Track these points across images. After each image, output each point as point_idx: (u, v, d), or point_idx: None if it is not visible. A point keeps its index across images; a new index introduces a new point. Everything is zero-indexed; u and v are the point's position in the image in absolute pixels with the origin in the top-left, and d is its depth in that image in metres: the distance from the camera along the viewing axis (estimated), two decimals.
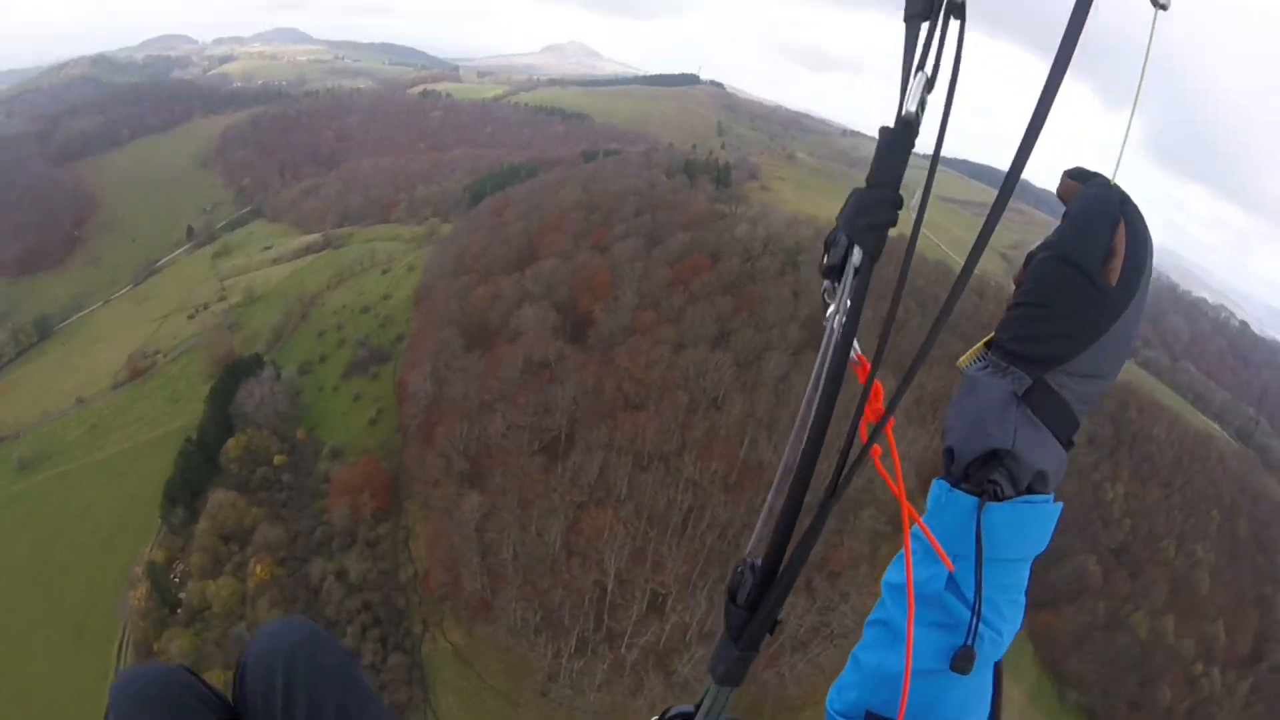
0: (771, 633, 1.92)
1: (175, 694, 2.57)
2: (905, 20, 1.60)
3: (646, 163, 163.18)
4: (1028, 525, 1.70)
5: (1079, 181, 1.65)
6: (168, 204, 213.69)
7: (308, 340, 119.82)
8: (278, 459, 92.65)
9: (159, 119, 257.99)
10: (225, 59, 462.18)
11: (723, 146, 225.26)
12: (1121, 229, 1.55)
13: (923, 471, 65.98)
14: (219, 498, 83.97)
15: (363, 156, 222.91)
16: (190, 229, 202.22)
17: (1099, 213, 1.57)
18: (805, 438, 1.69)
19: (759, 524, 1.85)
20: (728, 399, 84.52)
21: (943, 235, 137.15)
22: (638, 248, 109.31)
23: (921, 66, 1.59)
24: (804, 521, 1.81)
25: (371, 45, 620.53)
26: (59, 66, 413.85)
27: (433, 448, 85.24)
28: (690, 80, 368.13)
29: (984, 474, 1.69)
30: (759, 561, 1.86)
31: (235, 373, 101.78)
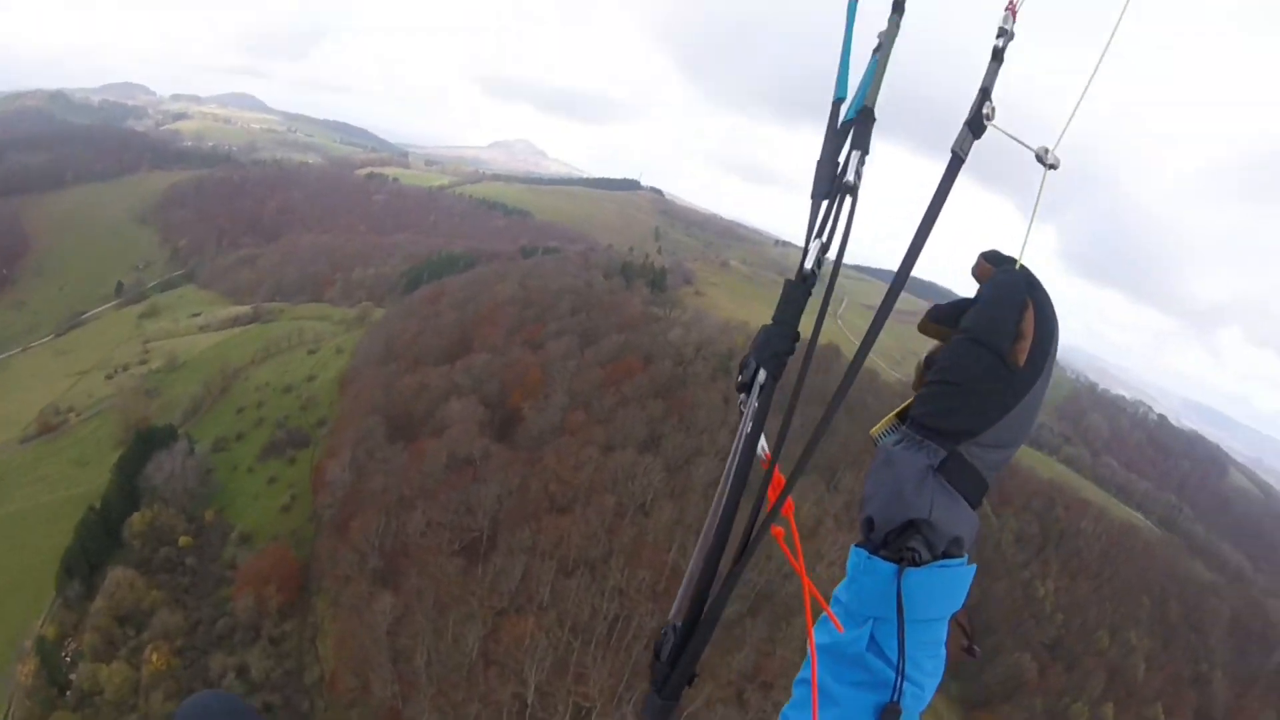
0: (690, 684, 2.08)
1: None
2: (811, 199, 1.97)
3: (585, 262, 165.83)
4: (945, 587, 1.84)
5: (992, 264, 1.83)
6: (101, 255, 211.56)
7: (226, 415, 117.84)
8: (183, 540, 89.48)
9: (105, 166, 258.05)
10: (179, 116, 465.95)
11: (659, 251, 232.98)
12: (1030, 312, 1.70)
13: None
14: (118, 575, 80.00)
15: (303, 232, 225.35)
16: (120, 284, 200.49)
17: (1008, 297, 1.72)
18: (718, 518, 1.93)
19: (680, 590, 2.05)
20: (656, 504, 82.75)
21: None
22: (571, 346, 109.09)
23: (820, 234, 1.89)
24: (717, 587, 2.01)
25: (325, 122, 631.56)
26: (15, 95, 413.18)
27: (347, 541, 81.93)
28: (631, 185, 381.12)
29: (902, 542, 1.82)
30: (679, 623, 2.03)
31: (147, 442, 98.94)
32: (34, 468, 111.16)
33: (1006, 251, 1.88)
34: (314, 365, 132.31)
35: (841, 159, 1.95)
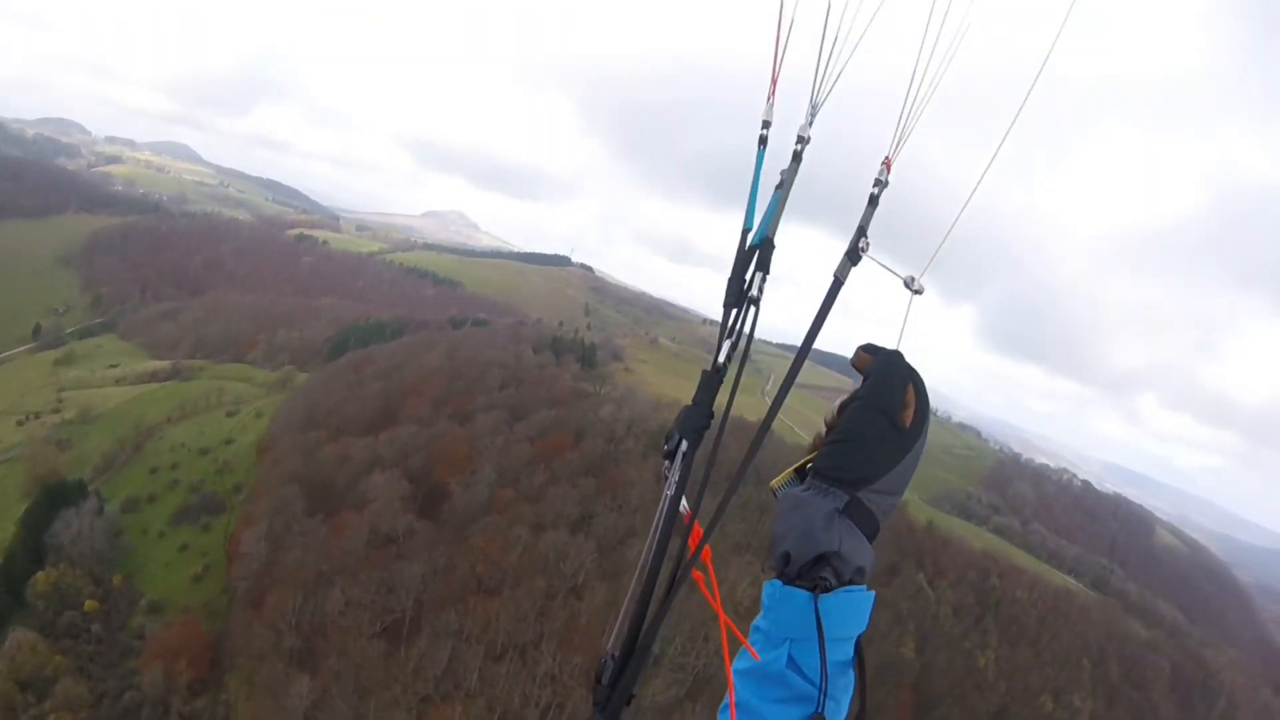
0: (628, 704, 2.32)
1: None
2: (723, 307, 2.40)
3: (514, 336, 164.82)
4: (853, 610, 2.12)
5: (870, 354, 2.30)
6: (20, 295, 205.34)
7: (139, 475, 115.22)
8: (89, 604, 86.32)
9: (33, 203, 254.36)
10: (112, 159, 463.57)
11: (589, 327, 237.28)
12: (910, 387, 2.15)
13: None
14: (20, 637, 76.64)
15: (229, 289, 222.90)
16: (38, 326, 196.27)
17: (896, 374, 2.16)
18: (647, 566, 2.28)
19: (616, 624, 2.34)
20: (589, 586, 79.90)
21: (795, 417, 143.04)
22: (500, 421, 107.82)
23: (730, 335, 2.39)
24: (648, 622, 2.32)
25: (258, 179, 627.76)
26: None
27: (262, 617, 78.95)
28: (562, 261, 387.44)
29: (815, 572, 2.11)
30: (616, 653, 2.33)
31: (55, 496, 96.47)
32: None
33: (880, 343, 2.32)
34: (233, 427, 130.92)
35: (748, 276, 2.44)
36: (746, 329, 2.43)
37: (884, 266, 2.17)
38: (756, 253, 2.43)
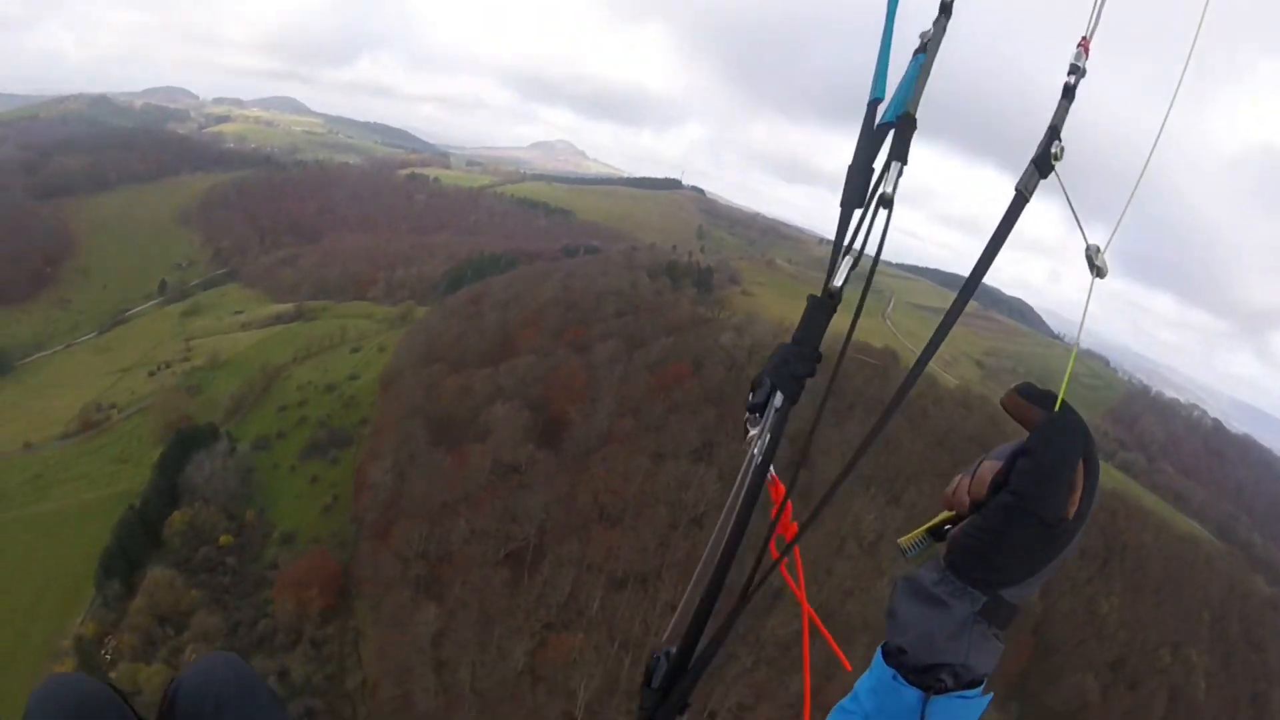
0: (681, 714, 2.08)
1: (101, 712, 2.40)
2: (840, 206, 1.82)
3: (628, 262, 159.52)
4: (963, 716, 1.82)
5: (1029, 400, 1.72)
6: (144, 255, 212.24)
7: (267, 414, 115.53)
8: (223, 539, 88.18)
9: (147, 168, 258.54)
10: (221, 119, 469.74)
11: (702, 250, 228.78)
12: (1081, 466, 1.65)
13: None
14: (157, 576, 78.76)
15: (344, 232, 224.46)
16: (164, 283, 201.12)
17: (1065, 461, 1.63)
18: (722, 546, 1.84)
19: (675, 617, 2.03)
20: (710, 517, 73.57)
21: (920, 343, 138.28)
22: (618, 350, 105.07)
23: (849, 249, 1.79)
24: (717, 618, 1.95)
25: (366, 124, 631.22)
26: (59, 100, 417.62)
27: (388, 546, 79.63)
28: (672, 185, 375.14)
29: (932, 674, 1.80)
30: (673, 650, 2.05)
31: (188, 441, 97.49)
32: (75, 464, 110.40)
33: (1044, 386, 1.79)
34: (356, 364, 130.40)
35: (877, 165, 1.82)
36: (875, 239, 1.84)
37: (1075, 214, 1.71)
38: (891, 132, 1.85)
